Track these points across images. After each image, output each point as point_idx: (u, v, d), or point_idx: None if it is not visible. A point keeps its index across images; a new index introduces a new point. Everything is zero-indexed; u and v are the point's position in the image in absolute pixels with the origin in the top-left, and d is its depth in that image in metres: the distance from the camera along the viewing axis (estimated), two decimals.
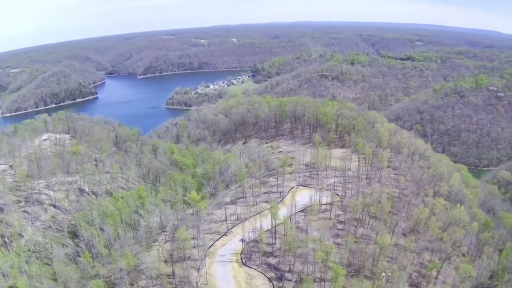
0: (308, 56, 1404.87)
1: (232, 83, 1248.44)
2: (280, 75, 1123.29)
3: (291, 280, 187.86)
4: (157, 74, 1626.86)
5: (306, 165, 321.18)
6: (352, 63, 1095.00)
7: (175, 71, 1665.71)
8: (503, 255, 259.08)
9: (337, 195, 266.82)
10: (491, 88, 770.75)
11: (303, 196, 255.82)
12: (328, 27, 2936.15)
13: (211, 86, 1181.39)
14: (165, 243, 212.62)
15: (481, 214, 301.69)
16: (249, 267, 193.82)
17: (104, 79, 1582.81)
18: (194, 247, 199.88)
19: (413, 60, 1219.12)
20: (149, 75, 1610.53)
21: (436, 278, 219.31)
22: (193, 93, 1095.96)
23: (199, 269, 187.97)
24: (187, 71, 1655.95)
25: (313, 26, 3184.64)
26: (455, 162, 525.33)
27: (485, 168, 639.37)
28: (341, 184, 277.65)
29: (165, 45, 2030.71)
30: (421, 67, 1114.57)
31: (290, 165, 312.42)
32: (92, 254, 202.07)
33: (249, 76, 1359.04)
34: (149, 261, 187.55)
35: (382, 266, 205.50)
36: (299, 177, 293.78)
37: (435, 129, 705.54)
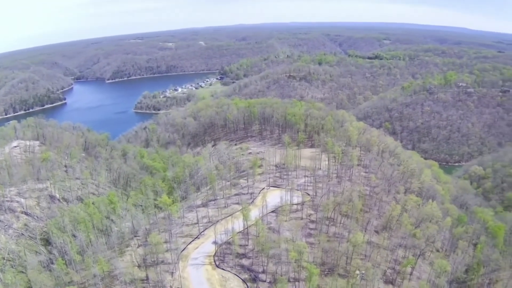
0: (275, 57, 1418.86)
1: (201, 86, 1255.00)
2: (248, 77, 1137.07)
3: (265, 281, 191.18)
4: (125, 79, 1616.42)
5: (276, 165, 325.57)
6: (319, 63, 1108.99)
7: (143, 75, 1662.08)
8: (477, 249, 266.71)
9: (308, 194, 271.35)
10: (460, 84, 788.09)
11: (274, 197, 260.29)
12: (295, 28, 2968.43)
13: (180, 90, 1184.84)
14: (137, 247, 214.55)
15: (453, 209, 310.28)
16: (222, 269, 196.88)
17: (72, 84, 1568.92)
18: (167, 251, 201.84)
19: (381, 59, 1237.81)
20: (117, 80, 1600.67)
21: (411, 274, 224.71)
22: (161, 96, 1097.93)
23: (172, 272, 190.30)
24: (155, 75, 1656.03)
25: (280, 28, 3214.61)
26: (425, 158, 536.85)
27: (456, 164, 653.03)
28: (311, 184, 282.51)
29: (133, 49, 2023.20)
30: (389, 66, 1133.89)
31: (260, 166, 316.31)
32: (66, 261, 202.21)
33: (217, 79, 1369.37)
34: (122, 266, 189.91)
35: (355, 264, 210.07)
36: (269, 178, 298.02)
37: (405, 127, 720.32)
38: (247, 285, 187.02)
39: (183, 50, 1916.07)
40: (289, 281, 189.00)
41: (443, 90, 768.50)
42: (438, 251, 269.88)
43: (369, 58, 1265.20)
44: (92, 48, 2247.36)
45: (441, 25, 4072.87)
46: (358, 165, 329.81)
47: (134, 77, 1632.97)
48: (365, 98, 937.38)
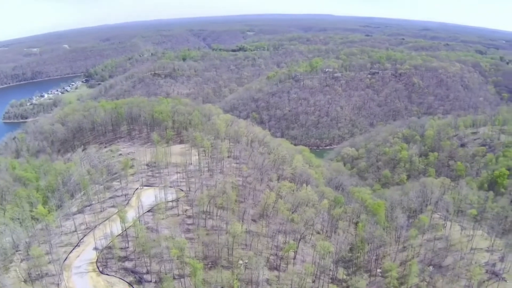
0: (139, 56, 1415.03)
1: (66, 90, 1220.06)
2: (114, 78, 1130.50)
3: (151, 281, 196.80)
4: None
5: (147, 165, 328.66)
6: (184, 59, 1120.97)
7: (9, 83, 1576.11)
8: (359, 227, 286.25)
9: (182, 190, 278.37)
10: (327, 69, 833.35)
11: (149, 196, 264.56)
12: (159, 25, 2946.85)
13: (46, 96, 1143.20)
14: (21, 262, 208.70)
15: (329, 191, 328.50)
16: (107, 274, 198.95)
17: None
18: (49, 262, 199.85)
19: (245, 51, 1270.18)
20: None
21: (294, 258, 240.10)
22: (28, 104, 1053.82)
23: (58, 284, 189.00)
24: (21, 82, 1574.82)
25: (144, 26, 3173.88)
26: (295, 144, 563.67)
27: (327, 147, 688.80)
28: (184, 180, 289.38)
29: None
30: (253, 57, 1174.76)
31: (132, 166, 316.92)
32: None
33: (82, 82, 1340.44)
34: (9, 283, 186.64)
35: (238, 254, 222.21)
36: (142, 177, 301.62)
37: (272, 115, 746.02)
38: (133, 287, 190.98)
39: (48, 54, 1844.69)
40: (174, 278, 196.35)
41: (309, 77, 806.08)
42: (318, 233, 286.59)
43: (233, 50, 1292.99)
44: None
45: (306, 13, 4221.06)
46: (228, 157, 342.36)
47: (1, 86, 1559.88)
48: (230, 90, 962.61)
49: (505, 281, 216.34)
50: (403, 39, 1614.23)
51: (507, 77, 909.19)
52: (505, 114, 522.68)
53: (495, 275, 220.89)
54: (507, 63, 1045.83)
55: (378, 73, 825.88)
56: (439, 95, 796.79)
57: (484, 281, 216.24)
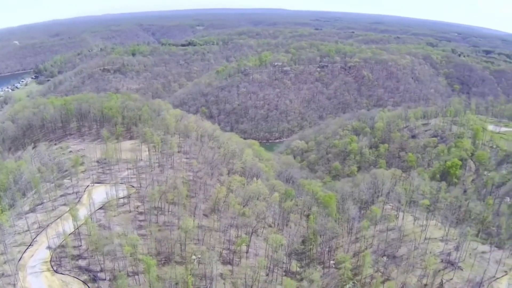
0: (89, 51, 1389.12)
1: (16, 87, 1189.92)
2: (63, 74, 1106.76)
3: (105, 279, 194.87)
4: None
5: (97, 161, 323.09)
6: (133, 54, 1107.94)
7: None
8: (310, 220, 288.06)
9: (133, 187, 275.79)
10: (276, 63, 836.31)
11: (100, 193, 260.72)
12: (108, 20, 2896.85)
13: None
14: None
15: (280, 184, 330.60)
16: (61, 273, 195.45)
17: None
18: (5, 262, 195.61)
19: (195, 45, 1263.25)
20: None
21: (247, 252, 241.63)
22: None
23: (14, 284, 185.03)
24: None
25: (93, 21, 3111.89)
26: (245, 138, 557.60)
27: (277, 141, 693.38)
28: (135, 176, 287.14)
29: None
30: (202, 51, 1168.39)
31: (82, 163, 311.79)
32: None
33: (32, 78, 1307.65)
34: None
35: (190, 249, 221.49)
36: (92, 174, 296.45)
37: (221, 109, 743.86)
38: (88, 286, 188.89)
39: None
40: (128, 275, 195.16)
41: (258, 71, 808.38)
42: (270, 226, 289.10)
43: (183, 45, 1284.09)
44: None
45: (256, 7, 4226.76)
46: (178, 152, 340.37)
47: None
48: (180, 85, 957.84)
49: (461, 269, 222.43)
50: (353, 32, 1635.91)
51: (458, 69, 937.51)
52: (457, 105, 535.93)
53: (450, 264, 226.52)
54: (459, 55, 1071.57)
55: (327, 66, 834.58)
56: (389, 88, 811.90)
57: (439, 270, 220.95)
